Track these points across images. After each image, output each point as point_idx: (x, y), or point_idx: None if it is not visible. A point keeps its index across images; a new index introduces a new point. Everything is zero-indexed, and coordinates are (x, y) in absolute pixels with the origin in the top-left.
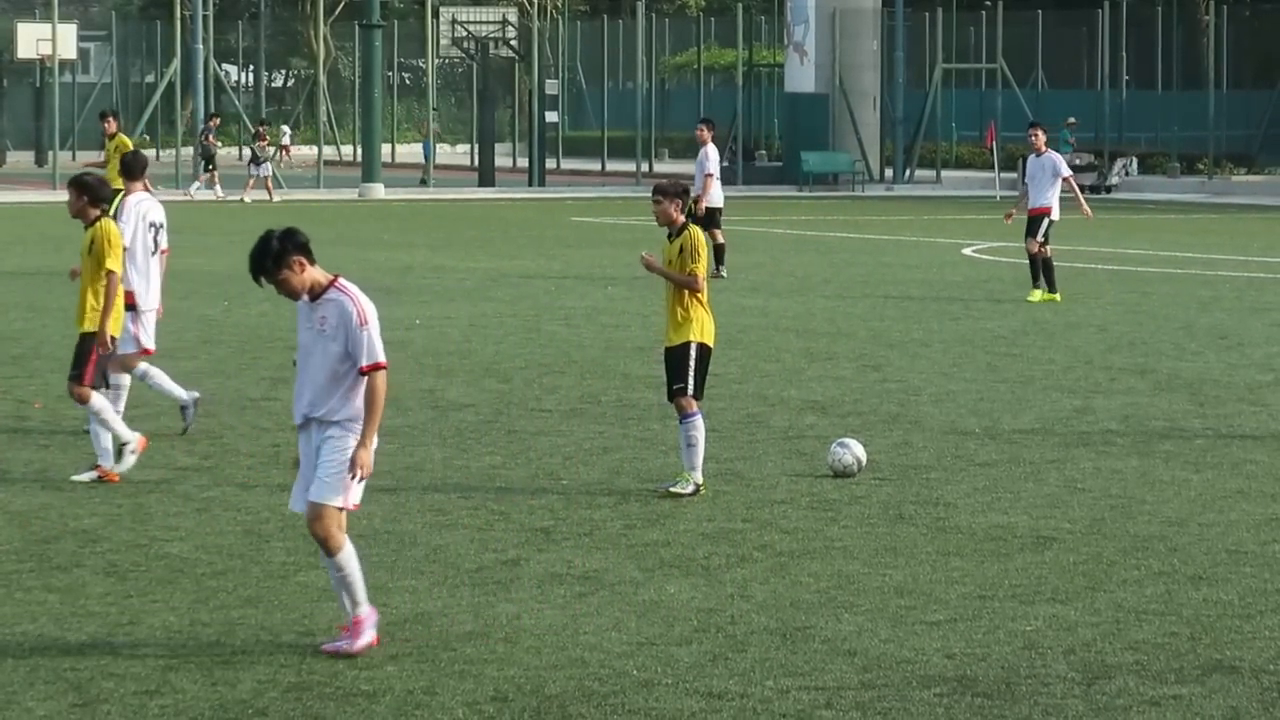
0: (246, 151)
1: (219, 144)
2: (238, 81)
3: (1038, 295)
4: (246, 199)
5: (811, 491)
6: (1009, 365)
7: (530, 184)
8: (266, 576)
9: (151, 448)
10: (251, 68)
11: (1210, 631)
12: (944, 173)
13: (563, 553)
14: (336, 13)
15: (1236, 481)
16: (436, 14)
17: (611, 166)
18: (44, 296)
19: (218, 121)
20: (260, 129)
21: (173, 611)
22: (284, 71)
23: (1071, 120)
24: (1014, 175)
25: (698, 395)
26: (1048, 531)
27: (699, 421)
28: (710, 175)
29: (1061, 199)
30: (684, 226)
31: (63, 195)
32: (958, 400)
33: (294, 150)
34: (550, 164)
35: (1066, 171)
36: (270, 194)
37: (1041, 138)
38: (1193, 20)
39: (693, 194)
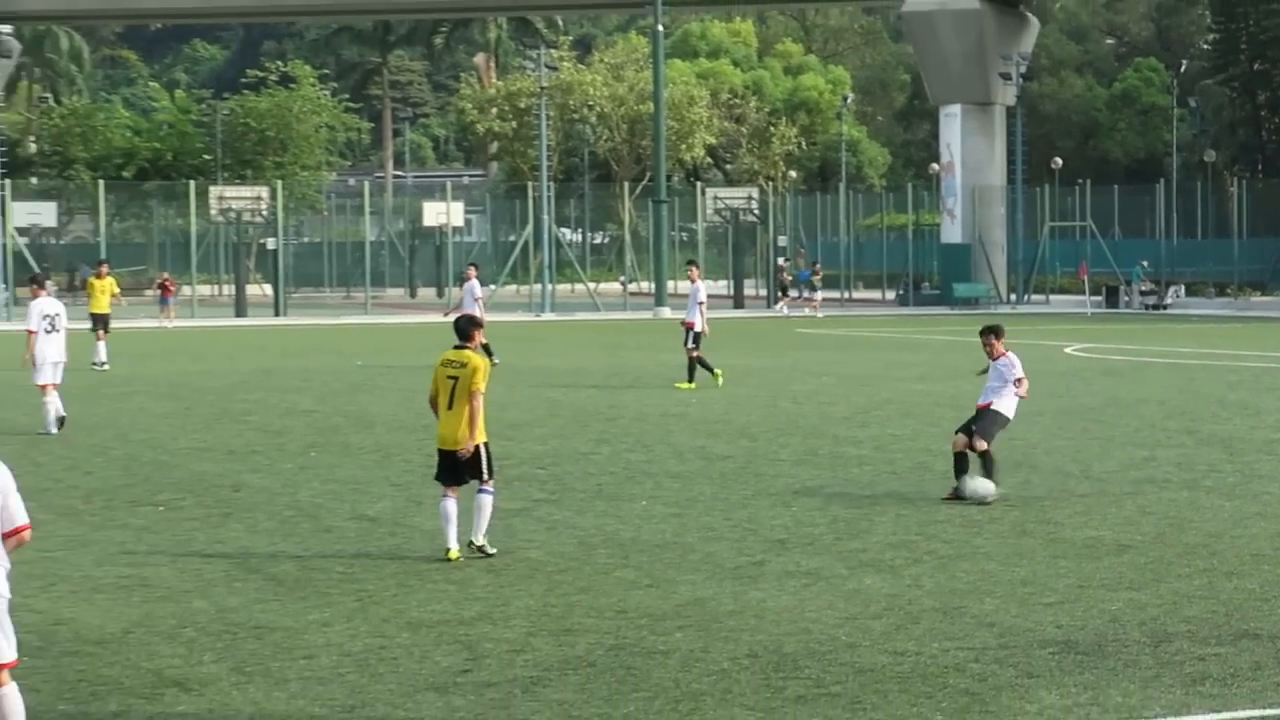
0: (578, 285)
1: (790, 276)
2: (570, 239)
3: (688, 386)
4: (819, 312)
5: (963, 514)
6: (1097, 428)
7: (768, 306)
8: (594, 573)
9: (516, 490)
10: (580, 229)
11: (1240, 610)
12: (1051, 296)
13: (793, 556)
14: (637, 192)
15: (1257, 507)
16: (704, 193)
17: (825, 294)
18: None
19: (786, 262)
20: (782, 262)
21: (531, 596)
22: (602, 232)
23: (1144, 262)
24: (1100, 298)
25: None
26: (1126, 541)
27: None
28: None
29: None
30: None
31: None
32: (1062, 452)
33: (599, 286)
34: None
35: (701, 299)
36: (815, 310)
37: (695, 271)
38: (1222, 189)
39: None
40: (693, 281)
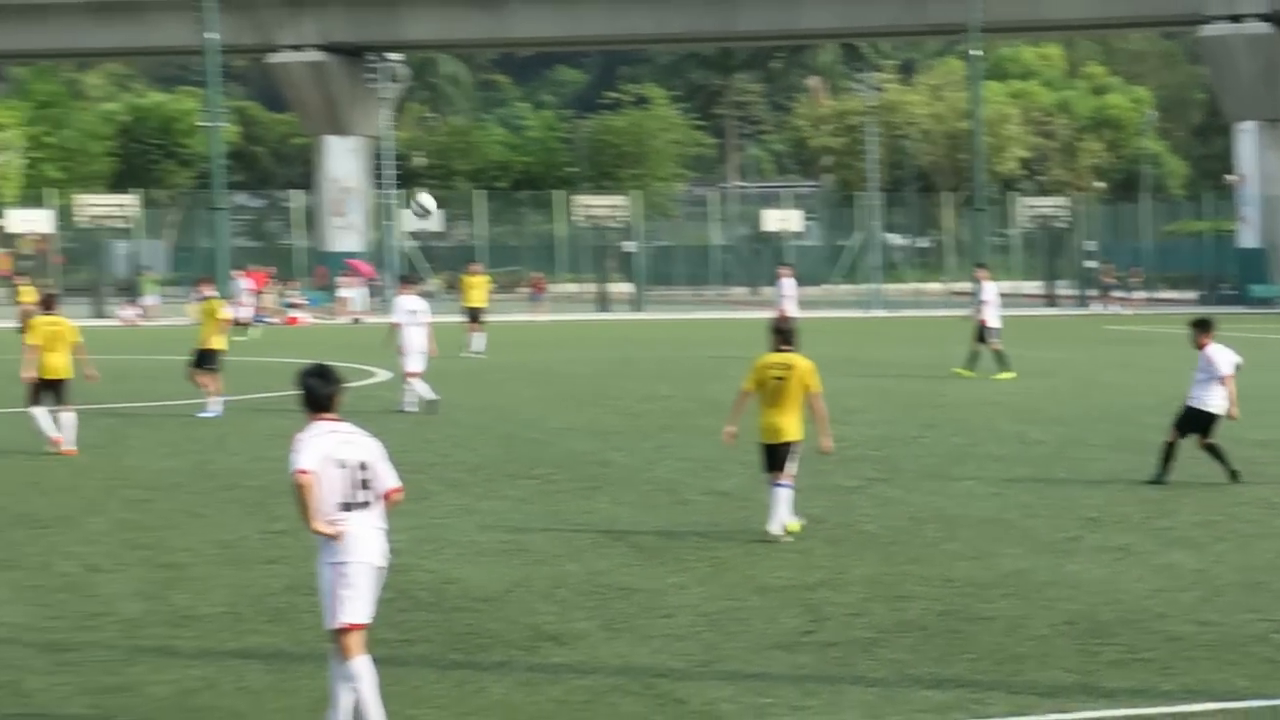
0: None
1: (1109, 279)
2: (897, 244)
3: (1007, 375)
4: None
5: (1262, 497)
6: None
7: (1078, 305)
8: (923, 545)
9: (833, 466)
10: (906, 234)
11: None
12: None
13: (1105, 533)
14: (957, 201)
15: None
16: (1015, 202)
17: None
18: None
19: (1107, 264)
20: (1099, 264)
21: (867, 566)
22: (926, 236)
23: None
24: None
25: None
26: None
27: None
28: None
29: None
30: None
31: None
32: None
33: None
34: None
35: (986, 298)
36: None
37: (984, 273)
38: None
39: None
40: (979, 281)
